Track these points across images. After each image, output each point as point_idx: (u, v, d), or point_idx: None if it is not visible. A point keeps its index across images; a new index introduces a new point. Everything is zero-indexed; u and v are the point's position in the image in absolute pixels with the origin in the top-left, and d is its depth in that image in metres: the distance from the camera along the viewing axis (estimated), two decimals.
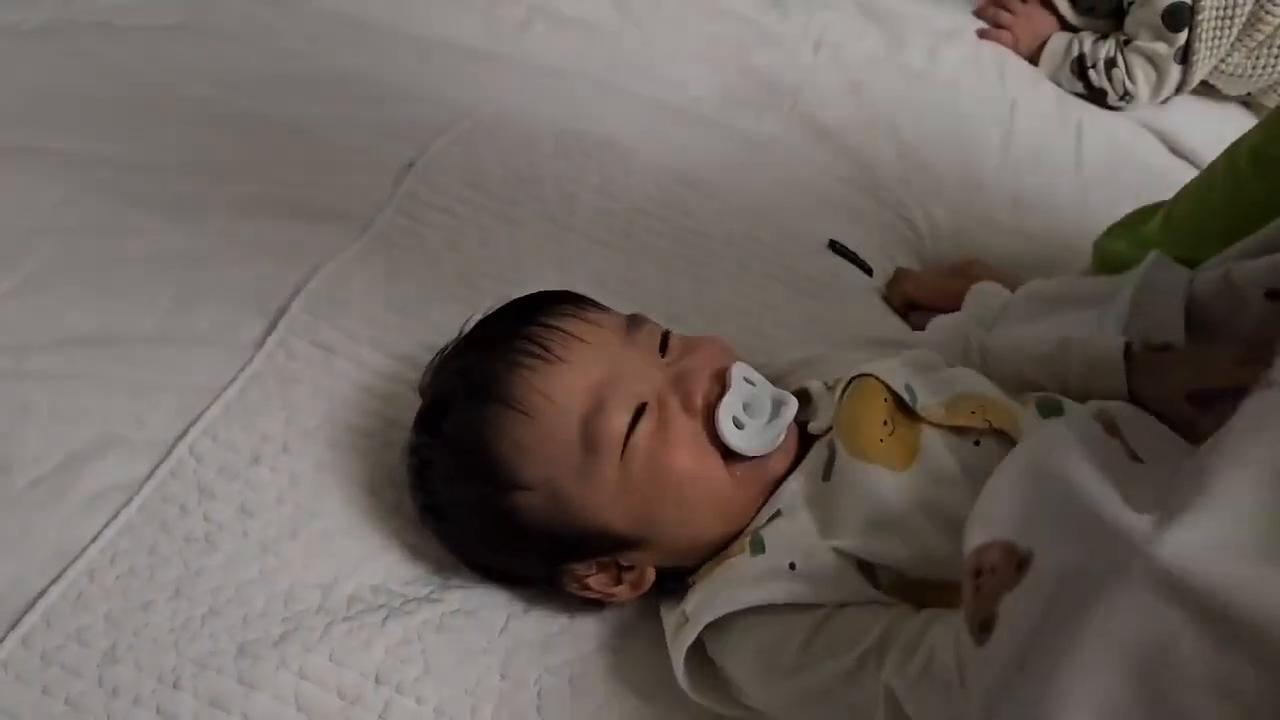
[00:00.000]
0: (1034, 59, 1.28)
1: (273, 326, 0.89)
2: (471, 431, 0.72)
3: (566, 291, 0.79)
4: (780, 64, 1.19)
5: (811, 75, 1.19)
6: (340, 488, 0.81)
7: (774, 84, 1.18)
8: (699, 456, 0.70)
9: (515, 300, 0.79)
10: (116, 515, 0.77)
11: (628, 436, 0.69)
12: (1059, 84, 1.26)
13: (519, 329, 0.74)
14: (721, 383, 0.71)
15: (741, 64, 1.19)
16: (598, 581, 0.72)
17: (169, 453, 0.81)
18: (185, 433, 0.82)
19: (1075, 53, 1.22)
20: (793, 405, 0.71)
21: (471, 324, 0.81)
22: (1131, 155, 1.21)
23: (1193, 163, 1.18)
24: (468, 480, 0.72)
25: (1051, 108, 1.24)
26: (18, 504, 0.78)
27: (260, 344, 0.88)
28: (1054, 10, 1.28)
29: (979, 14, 1.32)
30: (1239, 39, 1.19)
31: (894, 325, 0.97)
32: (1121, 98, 1.20)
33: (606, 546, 0.71)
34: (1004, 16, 1.29)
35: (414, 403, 0.84)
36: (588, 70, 1.14)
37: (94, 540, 0.75)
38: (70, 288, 0.91)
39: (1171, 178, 1.07)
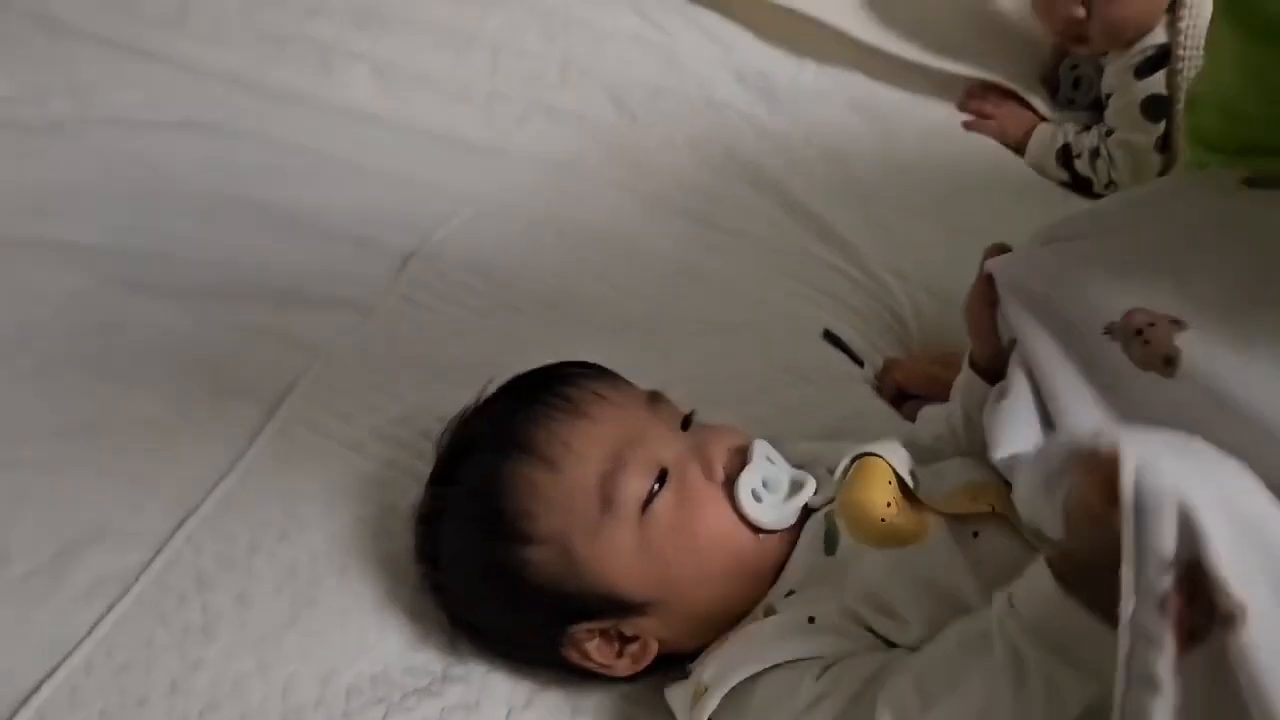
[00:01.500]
0: (1020, 148, 1.31)
1: (272, 414, 0.90)
2: (489, 477, 0.72)
3: (591, 362, 0.80)
4: (771, 156, 1.22)
5: (801, 168, 1.21)
6: (338, 576, 0.80)
7: (765, 176, 1.20)
8: (723, 520, 0.71)
9: (541, 366, 0.80)
10: (112, 607, 0.77)
11: (648, 500, 0.70)
12: (1043, 173, 1.29)
13: (546, 385, 0.75)
14: (742, 457, 0.72)
15: (734, 156, 1.21)
16: (598, 651, 0.71)
17: (167, 542, 0.81)
18: (183, 521, 0.82)
19: (1060, 143, 1.25)
20: (811, 485, 0.73)
21: (492, 388, 0.81)
22: None
23: None
24: (479, 528, 0.72)
25: (1039, 196, 1.27)
26: (12, 595, 0.78)
27: (260, 431, 0.88)
28: (1031, 108, 1.31)
29: (962, 107, 1.35)
30: None
31: (885, 413, 0.97)
32: (1106, 186, 1.23)
33: (613, 610, 0.70)
34: (988, 108, 1.33)
35: (414, 490, 0.84)
36: (585, 163, 1.17)
37: (89, 633, 0.75)
38: (72, 376, 0.92)
39: None
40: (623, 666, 0.71)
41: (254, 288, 1.00)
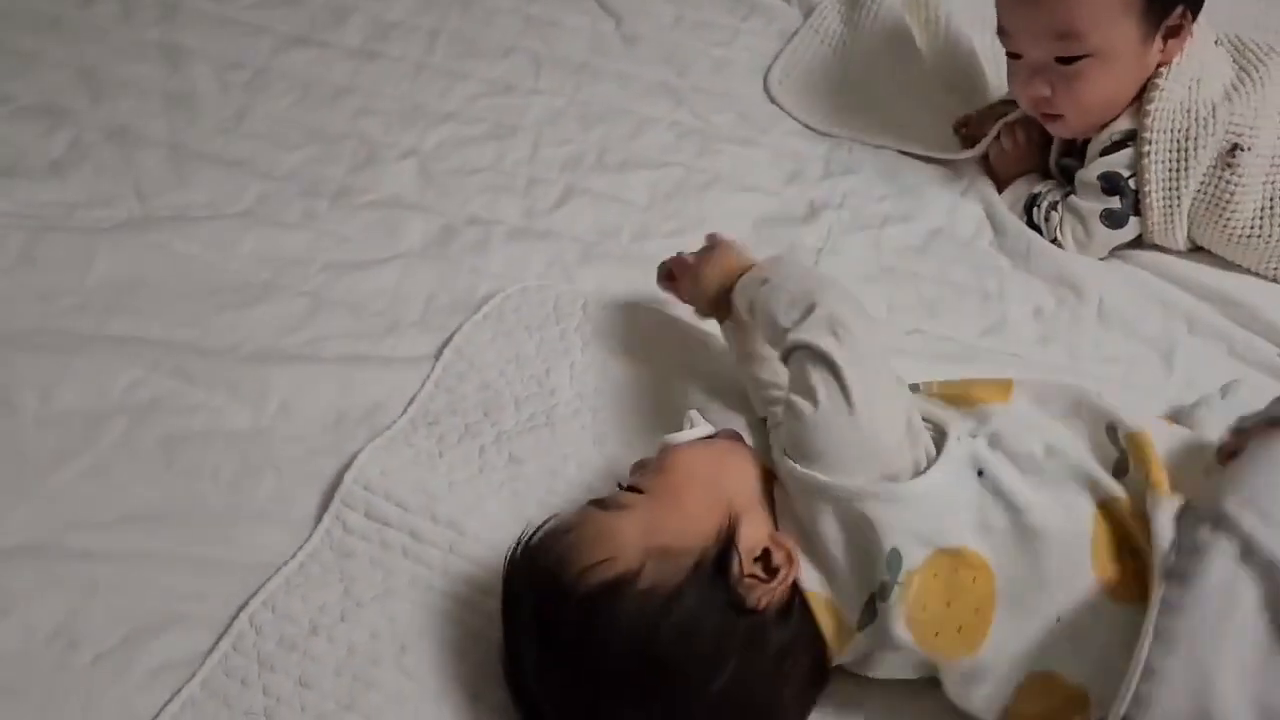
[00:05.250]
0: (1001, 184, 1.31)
1: (328, 500, 0.93)
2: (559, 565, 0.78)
3: None
4: (803, 229, 1.24)
5: (833, 238, 1.24)
6: (396, 657, 0.83)
7: (798, 247, 1.23)
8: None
9: None
10: (178, 692, 0.80)
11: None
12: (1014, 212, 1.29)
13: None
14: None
15: (765, 232, 1.24)
16: (759, 587, 0.76)
17: (229, 626, 0.84)
18: (245, 605, 0.85)
19: (1034, 189, 1.26)
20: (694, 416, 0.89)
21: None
22: (1151, 297, 1.21)
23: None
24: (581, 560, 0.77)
25: (1071, 253, 1.27)
26: (80, 680, 0.82)
27: (318, 517, 0.92)
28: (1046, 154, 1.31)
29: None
30: (1233, 208, 1.18)
31: None
32: (1052, 241, 1.24)
33: (725, 548, 0.76)
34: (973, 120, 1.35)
35: (466, 573, 0.87)
36: (619, 242, 1.21)
37: (155, 718, 0.78)
38: (137, 465, 0.96)
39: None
40: (782, 578, 0.76)
41: (310, 377, 1.04)
